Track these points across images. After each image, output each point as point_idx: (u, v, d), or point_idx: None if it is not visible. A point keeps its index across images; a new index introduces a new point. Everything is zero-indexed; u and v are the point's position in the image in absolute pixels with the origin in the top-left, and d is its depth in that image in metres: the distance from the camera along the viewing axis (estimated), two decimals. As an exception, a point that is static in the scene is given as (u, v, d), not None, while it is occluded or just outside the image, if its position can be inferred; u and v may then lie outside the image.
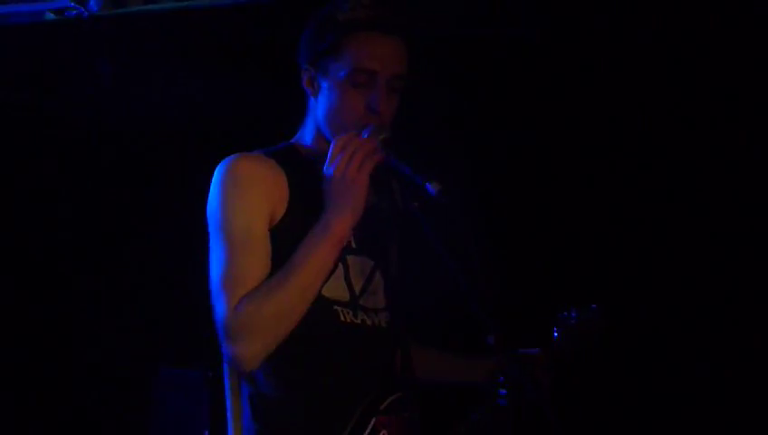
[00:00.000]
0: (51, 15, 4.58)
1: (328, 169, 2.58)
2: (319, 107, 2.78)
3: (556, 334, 3.05)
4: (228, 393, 2.82)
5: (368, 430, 2.68)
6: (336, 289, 2.71)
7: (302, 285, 2.57)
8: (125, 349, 5.06)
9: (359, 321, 2.76)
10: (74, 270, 5.32)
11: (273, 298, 2.55)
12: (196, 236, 2.87)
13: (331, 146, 2.59)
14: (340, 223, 2.55)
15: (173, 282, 4.50)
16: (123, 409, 5.04)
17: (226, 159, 2.69)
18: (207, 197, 2.71)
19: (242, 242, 2.65)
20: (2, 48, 4.89)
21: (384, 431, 2.68)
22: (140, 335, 5.00)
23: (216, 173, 2.69)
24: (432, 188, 2.46)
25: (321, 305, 2.64)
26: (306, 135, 2.86)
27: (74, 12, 4.56)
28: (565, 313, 3.07)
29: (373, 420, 2.68)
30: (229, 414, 2.81)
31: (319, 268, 2.59)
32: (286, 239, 2.63)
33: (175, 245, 4.65)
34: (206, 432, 4.45)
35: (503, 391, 2.59)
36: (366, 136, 2.66)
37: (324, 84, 2.74)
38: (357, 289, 2.77)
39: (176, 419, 4.75)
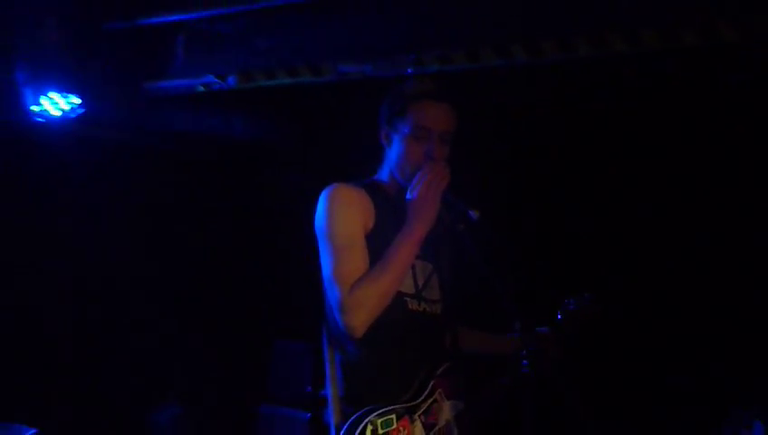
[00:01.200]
0: (201, 88, 4.95)
1: (413, 192, 2.76)
2: (392, 155, 2.94)
3: (559, 317, 3.19)
4: (327, 360, 2.93)
5: (428, 389, 2.84)
6: (406, 285, 2.84)
7: (395, 273, 2.74)
8: (251, 326, 5.48)
9: (421, 309, 2.88)
10: (224, 269, 5.65)
11: (376, 283, 2.71)
12: (303, 247, 3.10)
13: (417, 176, 2.76)
14: (419, 229, 2.72)
15: (287, 280, 4.69)
16: (249, 371, 5.40)
17: (329, 186, 2.85)
18: (315, 214, 2.86)
19: (346, 246, 2.79)
20: (168, 110, 5.36)
21: (440, 389, 2.84)
22: (262, 316, 5.35)
23: (321, 197, 2.84)
24: (472, 214, 2.71)
25: (398, 299, 2.80)
26: (383, 175, 2.99)
27: (217, 85, 4.89)
28: (566, 301, 3.22)
29: (432, 381, 2.84)
30: (327, 375, 2.93)
31: (405, 260, 2.76)
32: (375, 245, 2.79)
33: (289, 254, 4.81)
34: (309, 388, 4.76)
35: (525, 362, 2.64)
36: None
37: (395, 138, 2.91)
38: (420, 284, 2.89)
39: (287, 378, 5.08)
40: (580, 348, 3.31)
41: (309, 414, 4.79)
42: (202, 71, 4.96)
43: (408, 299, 2.84)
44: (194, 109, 5.45)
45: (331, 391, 2.91)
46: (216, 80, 4.92)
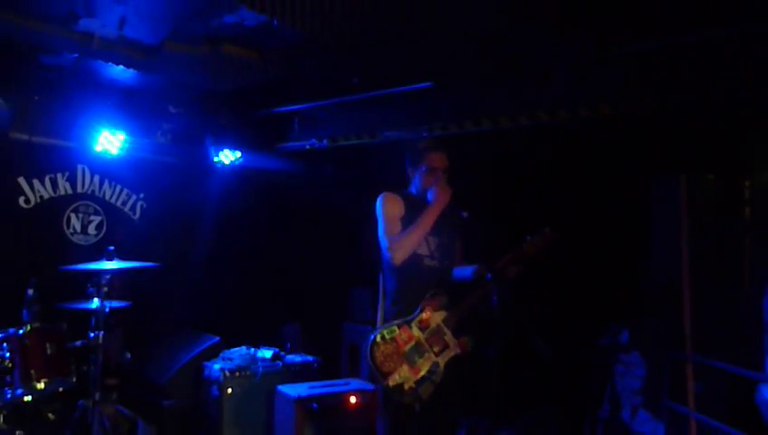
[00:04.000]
0: (307, 147, 5.21)
1: (433, 193, 2.89)
2: (415, 181, 3.06)
3: (523, 245, 2.91)
4: (380, 288, 3.08)
5: (419, 308, 2.91)
6: (422, 250, 2.95)
7: (421, 230, 2.87)
8: (339, 279, 5.32)
9: (431, 265, 2.98)
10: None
11: (410, 235, 2.86)
12: (364, 231, 3.17)
13: (437, 191, 2.87)
14: (436, 208, 2.87)
15: (360, 251, 4.02)
16: (338, 303, 5.23)
17: (383, 193, 3.00)
18: (374, 208, 2.97)
19: (390, 218, 2.92)
20: (288, 159, 5.49)
21: (429, 306, 2.92)
22: (346, 273, 5.29)
23: (378, 198, 2.99)
24: (464, 213, 2.94)
25: (416, 256, 2.93)
26: (412, 190, 3.06)
27: (317, 146, 5.11)
28: (528, 236, 2.94)
29: (422, 302, 2.92)
30: (380, 296, 3.09)
31: (428, 224, 2.87)
32: (403, 225, 2.91)
33: (358, 234, 4.13)
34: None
35: (495, 298, 2.70)
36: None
37: (416, 173, 3.05)
38: (432, 249, 2.98)
39: (359, 307, 5.14)
40: (540, 265, 3.00)
41: (375, 329, 4.67)
42: (308, 137, 5.17)
43: (424, 258, 2.98)
44: (302, 159, 5.53)
45: (380, 313, 3.08)
46: (316, 142, 5.11)
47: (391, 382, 2.78)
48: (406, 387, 2.78)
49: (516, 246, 2.94)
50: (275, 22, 2.96)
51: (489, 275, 2.76)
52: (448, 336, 2.94)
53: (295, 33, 3.14)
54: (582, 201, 4.21)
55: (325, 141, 5.03)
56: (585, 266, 4.04)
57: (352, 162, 5.34)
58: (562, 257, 3.69)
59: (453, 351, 2.94)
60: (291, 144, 5.30)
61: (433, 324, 2.91)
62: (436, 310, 2.94)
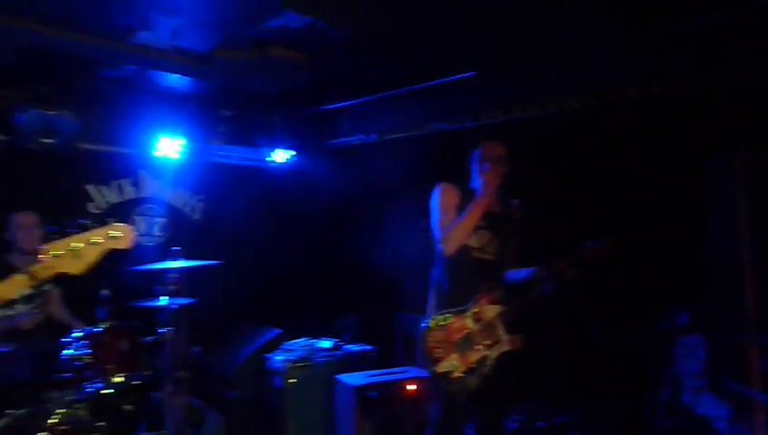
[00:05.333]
0: (355, 142, 5.14)
1: (480, 184, 2.89)
2: (473, 175, 3.06)
3: (585, 250, 2.92)
4: (431, 286, 3.07)
5: (473, 299, 2.92)
6: (474, 243, 2.95)
7: (467, 221, 2.87)
8: (394, 272, 5.14)
9: (480, 257, 2.98)
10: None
11: (458, 226, 2.86)
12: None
13: (484, 180, 2.86)
14: (480, 202, 2.87)
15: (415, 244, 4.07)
16: (392, 294, 5.17)
17: (438, 184, 3.00)
18: (430, 199, 3.01)
19: (444, 210, 2.93)
20: (338, 156, 5.45)
21: (482, 299, 2.92)
22: (401, 268, 5.09)
23: (435, 189, 3.01)
24: (513, 201, 2.99)
25: (466, 249, 2.93)
26: (472, 185, 3.03)
27: (364, 140, 5.00)
28: (589, 242, 2.96)
29: (478, 295, 2.93)
30: (430, 293, 3.08)
31: (473, 216, 2.87)
32: (457, 214, 2.91)
33: (407, 228, 4.57)
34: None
35: (548, 286, 2.79)
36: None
37: (474, 163, 3.05)
38: (483, 242, 2.98)
39: (413, 297, 4.94)
40: (597, 266, 2.98)
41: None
42: (356, 133, 5.21)
43: (473, 250, 2.97)
44: (353, 155, 5.53)
45: (431, 302, 3.06)
46: (364, 137, 5.15)
47: (439, 369, 2.78)
48: (453, 375, 2.78)
49: (577, 251, 2.91)
50: (320, 23, 3.00)
51: (548, 274, 2.76)
52: (501, 331, 2.91)
53: (340, 32, 3.18)
54: (637, 184, 4.09)
55: (373, 136, 5.03)
56: (641, 250, 3.91)
57: (405, 157, 5.22)
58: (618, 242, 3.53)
59: (504, 346, 2.91)
60: (340, 140, 5.32)
61: (487, 318, 2.89)
62: (491, 303, 2.92)
